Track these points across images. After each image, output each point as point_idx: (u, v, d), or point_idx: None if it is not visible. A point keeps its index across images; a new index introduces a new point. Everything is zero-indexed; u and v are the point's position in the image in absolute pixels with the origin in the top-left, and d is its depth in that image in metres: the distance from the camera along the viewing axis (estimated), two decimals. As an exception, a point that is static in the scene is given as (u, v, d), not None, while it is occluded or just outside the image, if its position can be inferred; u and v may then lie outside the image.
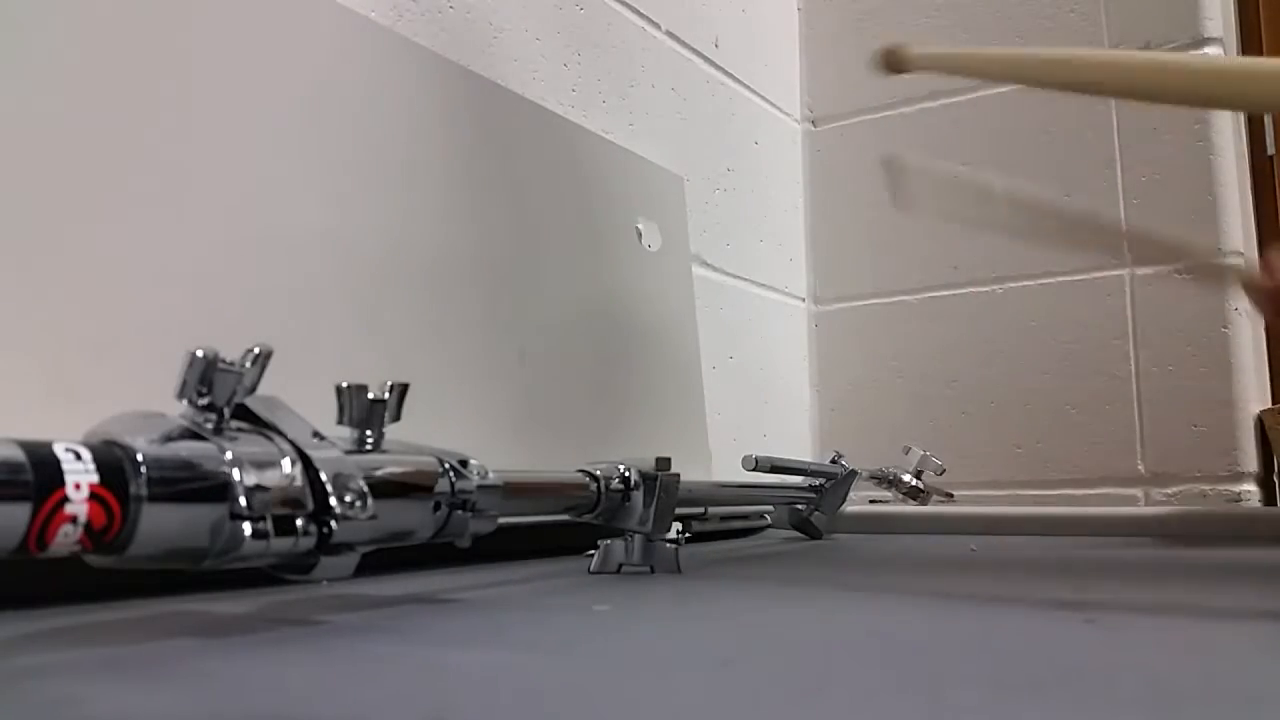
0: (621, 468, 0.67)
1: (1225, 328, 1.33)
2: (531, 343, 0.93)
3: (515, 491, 0.55)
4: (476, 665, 0.36)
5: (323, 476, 0.39)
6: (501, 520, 0.52)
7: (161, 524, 0.35)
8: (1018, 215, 0.93)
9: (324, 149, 0.76)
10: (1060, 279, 1.44)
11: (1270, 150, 1.52)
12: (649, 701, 0.30)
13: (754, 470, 0.88)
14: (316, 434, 0.41)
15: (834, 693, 0.31)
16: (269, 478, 0.38)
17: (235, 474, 0.37)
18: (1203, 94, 0.74)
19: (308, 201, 0.74)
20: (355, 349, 0.74)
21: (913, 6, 1.59)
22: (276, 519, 0.38)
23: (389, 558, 0.52)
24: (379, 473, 0.44)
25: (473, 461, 0.50)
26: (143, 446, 0.35)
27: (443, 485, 0.47)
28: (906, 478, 1.10)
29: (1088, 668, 0.35)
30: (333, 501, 0.39)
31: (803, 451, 1.56)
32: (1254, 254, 1.42)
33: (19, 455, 0.31)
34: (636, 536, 0.68)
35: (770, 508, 1.11)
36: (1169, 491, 1.34)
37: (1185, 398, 1.34)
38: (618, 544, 0.69)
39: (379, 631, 0.43)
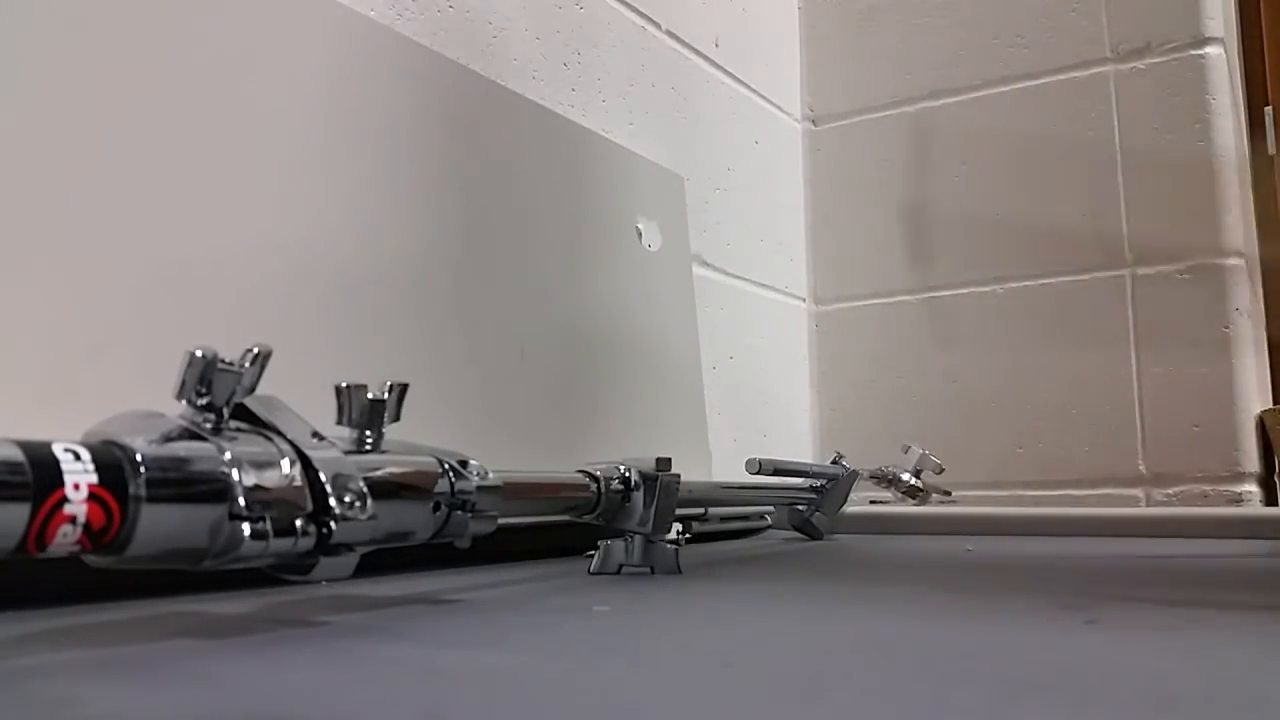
0: (621, 468, 0.67)
1: (1225, 328, 1.33)
2: (532, 342, 0.93)
3: (515, 492, 0.55)
4: (476, 666, 0.36)
5: (322, 477, 0.39)
6: (501, 521, 0.52)
7: (160, 524, 0.35)
8: None
9: (323, 148, 0.76)
10: (1060, 279, 1.44)
11: (1271, 150, 1.52)
12: (649, 702, 0.29)
13: (757, 474, 0.88)
14: (316, 434, 0.41)
15: (834, 693, 0.31)
16: (268, 478, 0.38)
17: (234, 474, 0.37)
18: None
19: (307, 201, 0.74)
20: (355, 349, 0.74)
21: (913, 6, 1.59)
22: (276, 519, 0.38)
23: (389, 558, 0.52)
24: (378, 473, 0.44)
25: (472, 462, 0.50)
26: (142, 446, 0.35)
27: (442, 486, 0.47)
28: (905, 476, 1.10)
29: (1089, 669, 0.35)
30: (332, 502, 0.39)
31: (803, 452, 1.56)
32: (1254, 254, 1.42)
33: (18, 455, 0.31)
34: (636, 537, 0.68)
35: (771, 508, 1.11)
36: (1170, 492, 1.34)
37: (1185, 398, 1.34)
38: (618, 544, 0.69)
39: (379, 632, 0.43)
